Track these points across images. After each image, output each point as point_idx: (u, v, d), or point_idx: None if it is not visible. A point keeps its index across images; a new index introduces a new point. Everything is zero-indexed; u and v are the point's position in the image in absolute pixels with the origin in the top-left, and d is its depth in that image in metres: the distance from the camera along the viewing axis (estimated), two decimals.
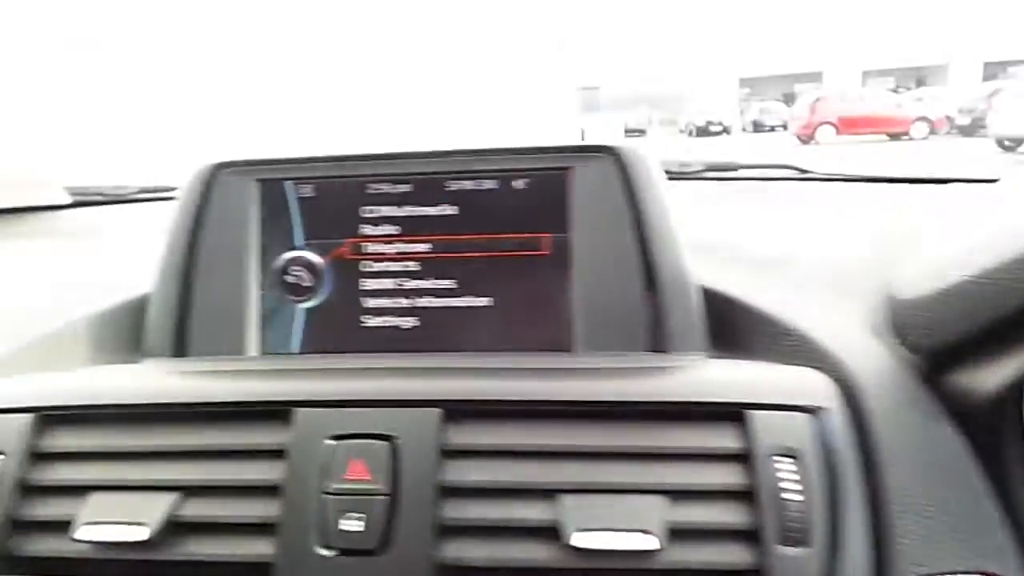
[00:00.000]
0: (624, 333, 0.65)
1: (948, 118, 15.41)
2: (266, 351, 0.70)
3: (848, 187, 1.19)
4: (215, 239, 0.71)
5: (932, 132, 15.62)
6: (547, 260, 0.67)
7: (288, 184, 0.71)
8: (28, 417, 0.59)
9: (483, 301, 0.68)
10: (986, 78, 21.21)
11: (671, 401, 0.54)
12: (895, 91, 19.96)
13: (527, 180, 0.68)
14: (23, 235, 1.11)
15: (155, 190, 1.45)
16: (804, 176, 1.21)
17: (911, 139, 15.39)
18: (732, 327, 0.66)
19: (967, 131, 14.45)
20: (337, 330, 0.70)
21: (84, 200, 1.38)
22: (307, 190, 0.71)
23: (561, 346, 0.66)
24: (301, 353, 0.70)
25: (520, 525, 0.52)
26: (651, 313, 0.65)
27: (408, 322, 0.69)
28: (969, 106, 14.43)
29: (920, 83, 23.75)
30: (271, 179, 0.71)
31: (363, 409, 0.56)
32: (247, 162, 0.72)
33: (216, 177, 0.72)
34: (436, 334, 0.68)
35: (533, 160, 0.68)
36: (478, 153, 0.69)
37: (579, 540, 0.49)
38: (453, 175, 0.69)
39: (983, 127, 12.68)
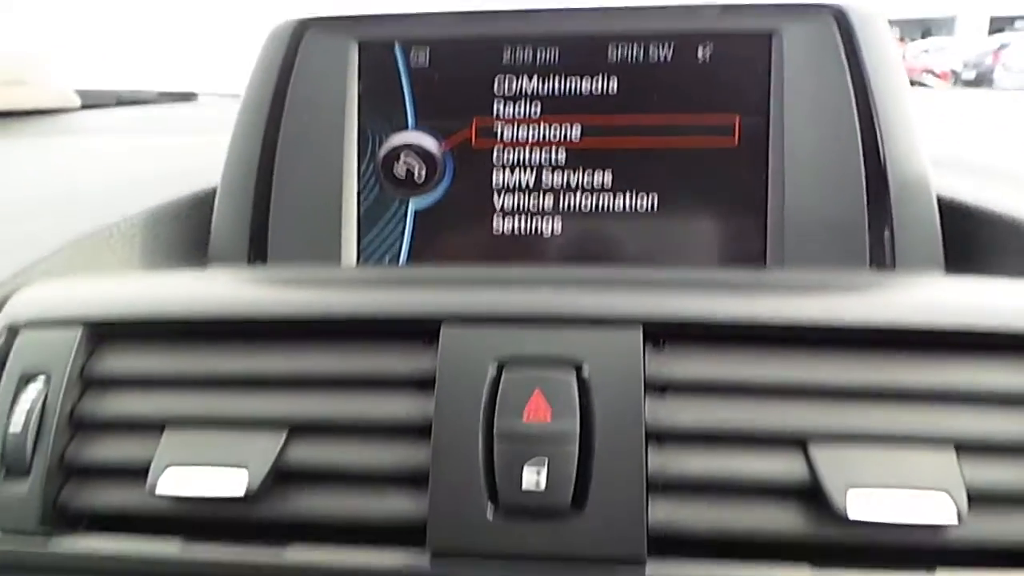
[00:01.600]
0: (836, 244, 0.51)
1: (953, 72, 15.13)
2: (366, 261, 0.56)
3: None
4: (302, 119, 0.56)
5: None
6: (736, 152, 0.53)
7: (398, 48, 0.55)
8: (76, 331, 0.45)
9: (648, 202, 0.54)
10: (992, 31, 20.77)
11: (960, 328, 0.40)
12: (900, 40, 19.54)
13: (715, 48, 0.53)
14: (42, 134, 0.95)
15: (177, 96, 1.29)
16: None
17: None
18: (969, 243, 0.52)
19: (972, 85, 14.21)
20: (458, 236, 0.55)
21: (96, 103, 1.22)
22: (422, 56, 0.55)
23: (750, 259, 0.53)
24: (411, 263, 0.56)
25: (762, 484, 0.39)
26: (875, 220, 0.51)
27: (550, 227, 0.55)
28: (975, 60, 14.15)
29: (926, 34, 23.24)
30: (375, 41, 0.56)
31: (537, 327, 0.42)
32: (343, 18, 0.56)
33: (303, 38, 0.56)
34: (585, 243, 0.54)
35: (726, 20, 0.53)
36: (652, 11, 0.53)
37: (853, 506, 0.37)
38: (617, 38, 0.54)
39: (989, 82, 12.47)
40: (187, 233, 0.59)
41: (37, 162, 0.80)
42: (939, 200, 0.52)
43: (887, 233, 0.51)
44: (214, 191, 0.59)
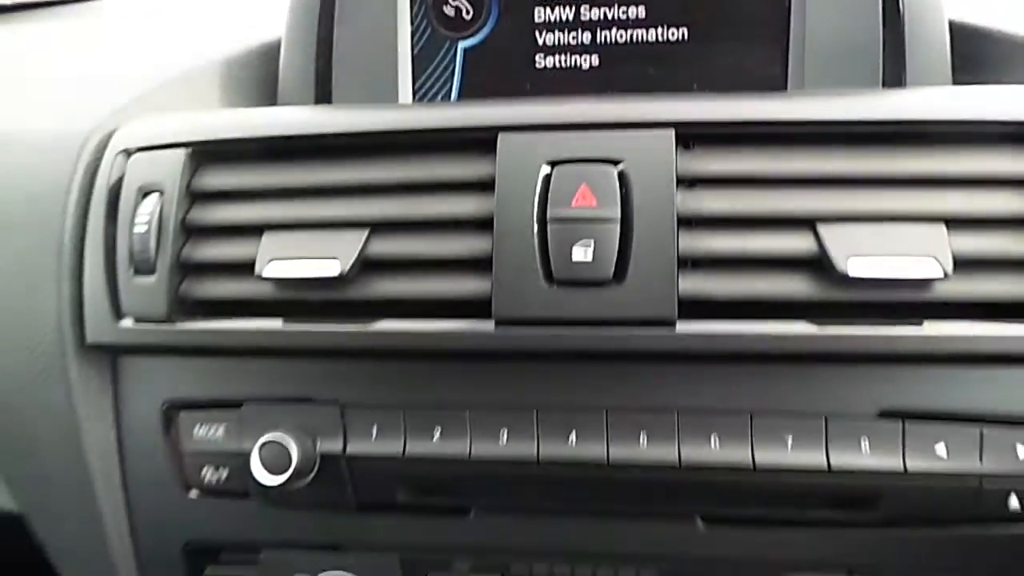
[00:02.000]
0: (852, 67, 0.56)
1: None
2: (420, 99, 0.62)
3: None
4: None
5: None
6: None
7: None
8: (181, 153, 0.52)
9: (679, 33, 0.58)
10: None
11: (948, 120, 0.45)
12: None
13: None
14: (83, 14, 1.00)
15: None
16: None
17: None
18: (979, 62, 0.56)
19: None
20: (504, 72, 0.61)
21: None
22: None
23: (772, 85, 0.58)
24: (462, 100, 0.61)
25: (775, 256, 0.45)
26: (889, 43, 0.55)
27: (588, 61, 0.60)
28: None
29: None
30: None
31: (583, 132, 0.48)
32: None
33: None
34: (621, 75, 0.59)
35: None
36: None
37: (854, 268, 0.43)
38: None
39: None
40: (257, 80, 0.65)
41: (94, 33, 0.86)
42: (950, 23, 0.56)
43: (900, 54, 0.55)
44: (278, 42, 0.64)
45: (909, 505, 0.45)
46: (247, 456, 0.49)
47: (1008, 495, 0.45)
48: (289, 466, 0.47)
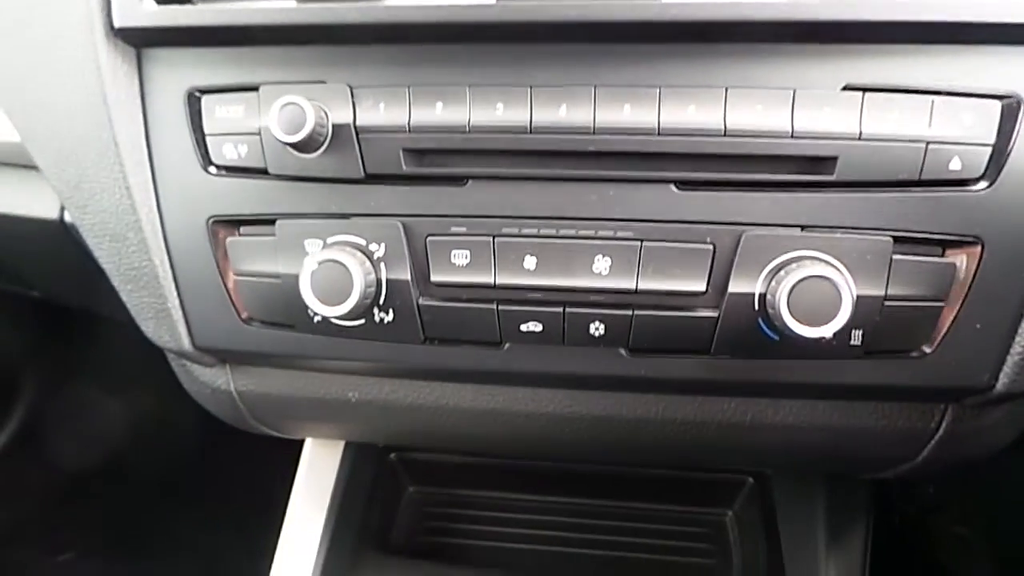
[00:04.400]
0: None
1: None
2: None
3: None
4: None
5: None
6: None
7: None
8: None
9: None
10: None
11: None
12: None
13: None
14: None
15: None
16: None
17: None
18: None
19: None
20: None
21: None
22: None
23: None
24: None
25: None
26: None
27: None
28: None
29: None
30: None
31: None
32: None
33: None
34: None
35: None
36: None
37: None
38: None
39: None
40: None
41: None
42: None
43: None
44: None
45: (861, 168, 0.51)
46: (265, 131, 0.54)
47: (951, 158, 0.50)
48: (304, 127, 0.52)
